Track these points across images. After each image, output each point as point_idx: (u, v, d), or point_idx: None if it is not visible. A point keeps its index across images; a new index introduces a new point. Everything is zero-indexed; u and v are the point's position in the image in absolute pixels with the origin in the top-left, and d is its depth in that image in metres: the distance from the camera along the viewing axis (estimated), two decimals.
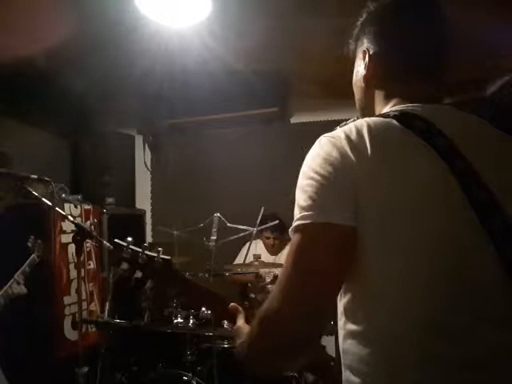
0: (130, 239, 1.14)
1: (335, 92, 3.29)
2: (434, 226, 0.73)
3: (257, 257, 2.94)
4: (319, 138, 0.83)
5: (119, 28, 2.43)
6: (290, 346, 0.77)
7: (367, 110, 0.97)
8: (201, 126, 3.86)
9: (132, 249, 1.14)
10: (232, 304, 1.08)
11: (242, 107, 3.53)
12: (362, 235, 0.74)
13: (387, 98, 0.92)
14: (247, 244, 3.17)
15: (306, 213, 0.75)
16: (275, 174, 3.70)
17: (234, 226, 2.86)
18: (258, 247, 3.48)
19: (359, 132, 0.78)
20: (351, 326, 0.78)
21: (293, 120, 3.90)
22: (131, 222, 3.79)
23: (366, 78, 0.94)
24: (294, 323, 0.74)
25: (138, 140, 4.13)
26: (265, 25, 2.50)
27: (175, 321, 2.54)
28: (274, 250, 3.51)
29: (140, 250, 1.14)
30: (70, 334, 2.96)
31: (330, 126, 1.42)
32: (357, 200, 0.74)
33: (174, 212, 3.33)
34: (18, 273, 2.20)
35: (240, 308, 1.07)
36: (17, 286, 2.17)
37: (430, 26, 0.90)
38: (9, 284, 2.15)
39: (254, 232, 2.92)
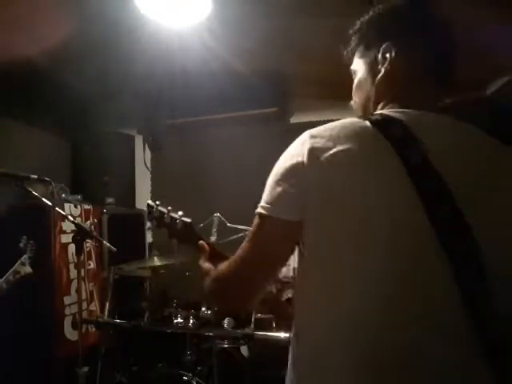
0: (158, 202, 1.37)
1: (335, 92, 3.29)
2: (379, 238, 0.74)
3: None
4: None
5: (119, 28, 2.43)
6: (237, 297, 0.95)
7: (368, 112, 0.95)
8: (201, 126, 3.86)
9: (160, 210, 1.36)
10: (200, 242, 1.27)
11: (242, 107, 3.53)
12: (306, 231, 0.82)
13: (388, 102, 0.90)
14: None
15: (265, 204, 0.85)
16: None
17: (234, 226, 2.85)
18: None
19: (329, 132, 0.81)
20: (294, 327, 0.86)
21: (293, 120, 3.90)
22: (131, 222, 3.79)
23: (384, 78, 0.92)
24: (242, 284, 0.91)
25: (138, 140, 4.13)
26: (265, 25, 2.50)
27: (175, 321, 2.55)
28: None
29: (165, 211, 1.36)
30: (70, 334, 2.96)
31: None
32: (305, 196, 0.80)
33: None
34: (8, 274, 2.20)
35: (206, 246, 1.26)
36: (8, 281, 2.17)
37: (442, 30, 0.90)
38: (3, 279, 2.15)
39: None
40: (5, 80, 2.71)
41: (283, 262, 0.90)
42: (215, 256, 1.24)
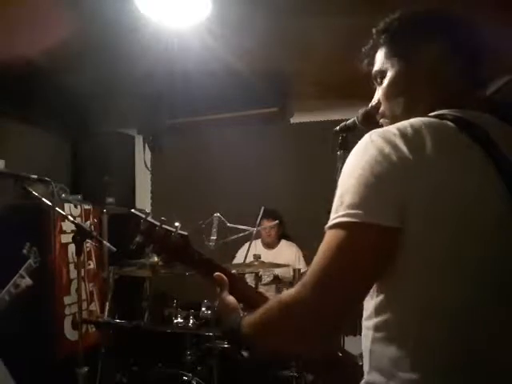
0: (147, 211, 1.10)
1: (335, 92, 3.30)
2: (488, 243, 0.73)
3: (257, 257, 2.94)
4: (368, 134, 0.79)
5: (119, 28, 2.43)
6: (309, 335, 0.78)
7: (405, 113, 0.91)
8: (201, 126, 3.86)
9: (149, 221, 1.08)
10: (216, 273, 1.06)
11: (242, 107, 3.53)
12: (406, 237, 0.73)
13: (434, 102, 0.87)
14: (247, 244, 3.17)
15: (352, 211, 0.73)
16: (275, 174, 3.70)
17: (234, 226, 2.86)
18: (257, 247, 3.49)
19: (416, 130, 0.75)
20: (384, 328, 0.78)
21: (293, 120, 3.90)
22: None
23: (425, 78, 0.89)
24: (323, 314, 0.75)
25: (138, 140, 4.13)
26: (265, 25, 2.50)
27: (175, 321, 2.55)
28: (270, 241, 3.52)
29: (158, 223, 1.09)
30: (70, 334, 2.96)
31: (329, 125, 1.42)
32: (408, 199, 0.72)
33: (174, 212, 3.32)
34: (14, 279, 2.20)
35: (225, 278, 1.06)
36: (10, 294, 2.17)
37: (479, 36, 0.89)
38: (4, 292, 2.14)
39: (254, 232, 2.92)
40: (5, 80, 2.71)
41: (374, 282, 0.77)
42: (237, 286, 1.06)
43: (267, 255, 3.40)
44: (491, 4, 2.11)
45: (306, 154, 3.61)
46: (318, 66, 2.99)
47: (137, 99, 3.59)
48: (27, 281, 2.22)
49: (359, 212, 0.72)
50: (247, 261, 3.02)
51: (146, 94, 3.52)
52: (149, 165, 4.18)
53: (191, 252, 1.13)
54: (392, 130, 0.77)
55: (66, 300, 2.98)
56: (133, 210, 1.11)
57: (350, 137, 1.31)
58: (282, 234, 3.60)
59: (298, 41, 2.72)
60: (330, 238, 0.75)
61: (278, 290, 3.16)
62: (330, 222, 0.76)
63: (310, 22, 2.48)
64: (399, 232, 0.73)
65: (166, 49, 2.65)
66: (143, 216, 1.09)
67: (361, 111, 1.22)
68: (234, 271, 1.13)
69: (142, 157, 4.10)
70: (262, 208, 2.93)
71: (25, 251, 2.27)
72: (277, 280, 3.12)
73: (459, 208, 0.72)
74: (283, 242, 3.59)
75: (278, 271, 3.21)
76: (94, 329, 3.09)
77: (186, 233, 1.12)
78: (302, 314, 0.76)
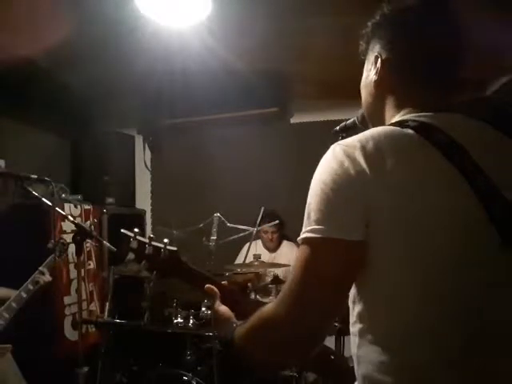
0: (137, 230, 1.13)
1: (335, 92, 3.30)
2: (451, 247, 0.72)
3: (257, 257, 2.94)
4: (332, 146, 0.80)
5: (119, 28, 2.43)
6: (292, 350, 0.80)
7: (375, 116, 0.95)
8: (201, 126, 3.86)
9: (139, 239, 1.12)
10: (207, 286, 1.09)
11: (242, 107, 3.53)
12: (374, 247, 0.74)
13: (399, 106, 0.89)
14: (247, 244, 3.17)
15: (316, 226, 0.75)
16: (275, 174, 3.70)
17: (234, 226, 2.86)
18: (257, 247, 3.49)
19: (376, 143, 0.76)
20: (368, 334, 0.78)
21: (293, 120, 3.90)
22: (131, 222, 3.79)
23: (377, 84, 0.92)
24: (302, 329, 0.76)
25: (138, 140, 4.13)
26: (265, 25, 2.50)
27: (175, 321, 2.55)
28: (272, 245, 3.51)
29: (147, 240, 1.13)
30: (70, 334, 2.96)
31: (329, 126, 1.42)
32: (368, 213, 0.73)
33: (174, 212, 3.33)
34: (33, 276, 2.21)
35: (215, 289, 1.09)
36: (27, 291, 2.18)
37: (447, 35, 0.87)
38: (22, 289, 2.15)
39: (254, 232, 2.92)
40: (5, 80, 2.71)
41: (347, 294, 0.79)
42: (228, 295, 1.09)
43: (269, 258, 3.40)
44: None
45: (306, 154, 3.60)
46: (318, 66, 2.99)
47: (136, 99, 3.59)
48: (47, 277, 2.23)
49: (322, 227, 0.74)
50: (247, 261, 3.02)
51: (146, 93, 3.52)
52: (149, 165, 4.18)
53: (182, 266, 1.16)
54: (354, 142, 0.78)
55: (66, 300, 2.98)
56: (123, 230, 1.14)
57: (350, 136, 1.32)
58: (283, 235, 3.60)
59: (297, 41, 2.73)
60: (300, 252, 0.77)
61: (278, 291, 3.16)
62: (300, 237, 0.78)
63: (310, 22, 2.48)
64: (364, 244, 0.74)
65: (165, 49, 2.65)
66: (132, 235, 1.12)
67: (361, 111, 1.22)
68: (224, 282, 1.15)
69: (142, 157, 4.10)
70: (262, 208, 2.93)
71: (50, 245, 2.27)
72: (277, 280, 3.12)
73: (419, 217, 0.72)
74: (285, 243, 3.59)
75: (278, 271, 3.21)
76: (93, 329, 3.09)
77: (175, 248, 1.15)
78: (279, 328, 0.78)
